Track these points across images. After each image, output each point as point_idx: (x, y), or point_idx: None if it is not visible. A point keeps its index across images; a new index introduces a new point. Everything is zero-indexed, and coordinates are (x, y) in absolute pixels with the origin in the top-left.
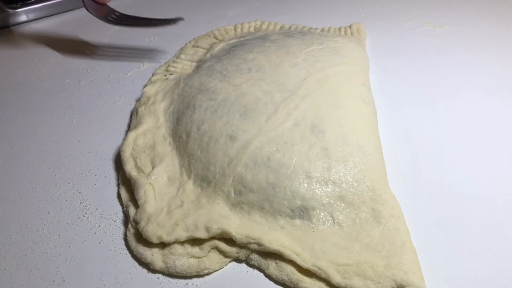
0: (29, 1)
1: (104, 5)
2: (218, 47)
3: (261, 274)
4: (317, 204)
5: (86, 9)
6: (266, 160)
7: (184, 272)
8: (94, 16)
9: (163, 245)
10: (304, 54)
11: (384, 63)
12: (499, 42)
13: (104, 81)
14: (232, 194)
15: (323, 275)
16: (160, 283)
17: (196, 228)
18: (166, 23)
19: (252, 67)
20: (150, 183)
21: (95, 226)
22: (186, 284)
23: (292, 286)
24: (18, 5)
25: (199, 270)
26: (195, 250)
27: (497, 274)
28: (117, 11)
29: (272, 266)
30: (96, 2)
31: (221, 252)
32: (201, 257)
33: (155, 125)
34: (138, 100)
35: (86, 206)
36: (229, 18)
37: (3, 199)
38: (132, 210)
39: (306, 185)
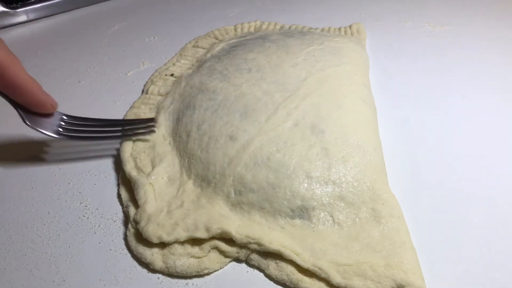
0: (29, 1)
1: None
2: (218, 47)
3: (261, 274)
4: (317, 204)
5: (25, 123)
6: (266, 160)
7: (184, 272)
8: (41, 132)
9: (163, 245)
10: (304, 54)
11: (384, 63)
12: (499, 42)
13: (104, 81)
14: (232, 194)
15: (323, 275)
16: (160, 283)
17: (196, 228)
18: (136, 132)
19: (252, 67)
20: (150, 183)
21: (95, 226)
22: (186, 284)
23: (292, 286)
24: (18, 5)
25: (199, 270)
26: (195, 250)
27: (497, 274)
28: (66, 115)
29: (272, 266)
30: (38, 114)
31: (221, 252)
32: (201, 257)
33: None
34: None
35: (86, 206)
36: (229, 18)
37: (3, 199)
38: (132, 210)
39: (306, 185)
